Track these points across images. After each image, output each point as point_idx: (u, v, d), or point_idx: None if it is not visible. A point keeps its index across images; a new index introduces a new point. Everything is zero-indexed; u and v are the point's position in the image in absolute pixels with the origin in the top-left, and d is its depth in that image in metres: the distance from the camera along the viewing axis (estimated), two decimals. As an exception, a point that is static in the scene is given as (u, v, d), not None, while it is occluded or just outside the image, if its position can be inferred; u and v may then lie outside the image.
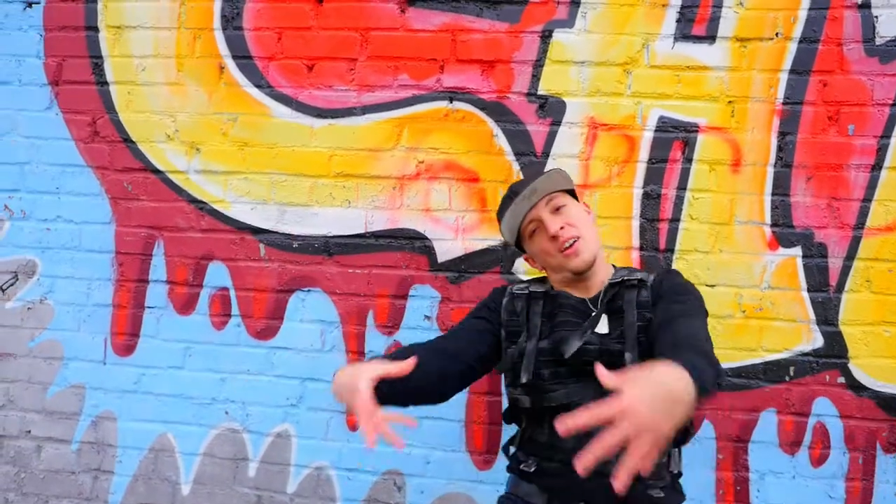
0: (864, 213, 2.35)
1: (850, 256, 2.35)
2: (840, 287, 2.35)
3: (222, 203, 2.58)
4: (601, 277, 1.89)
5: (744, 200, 2.38)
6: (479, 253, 2.46)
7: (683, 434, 1.86)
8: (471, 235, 2.47)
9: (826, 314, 2.35)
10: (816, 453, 2.36)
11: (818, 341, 2.36)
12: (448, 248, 2.48)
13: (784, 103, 2.36)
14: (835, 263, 2.36)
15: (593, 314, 1.81)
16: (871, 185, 2.34)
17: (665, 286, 1.82)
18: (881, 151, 2.34)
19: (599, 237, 1.91)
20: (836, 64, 2.35)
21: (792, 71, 2.36)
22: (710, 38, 2.38)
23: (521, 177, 2.44)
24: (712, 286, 2.38)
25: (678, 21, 2.39)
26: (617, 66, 2.42)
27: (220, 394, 2.58)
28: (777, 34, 2.36)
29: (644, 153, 2.41)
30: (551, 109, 2.45)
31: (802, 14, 2.35)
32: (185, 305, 2.59)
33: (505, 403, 2.43)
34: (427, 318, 2.48)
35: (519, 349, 1.83)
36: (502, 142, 2.46)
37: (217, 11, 2.56)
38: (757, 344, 2.38)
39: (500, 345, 1.88)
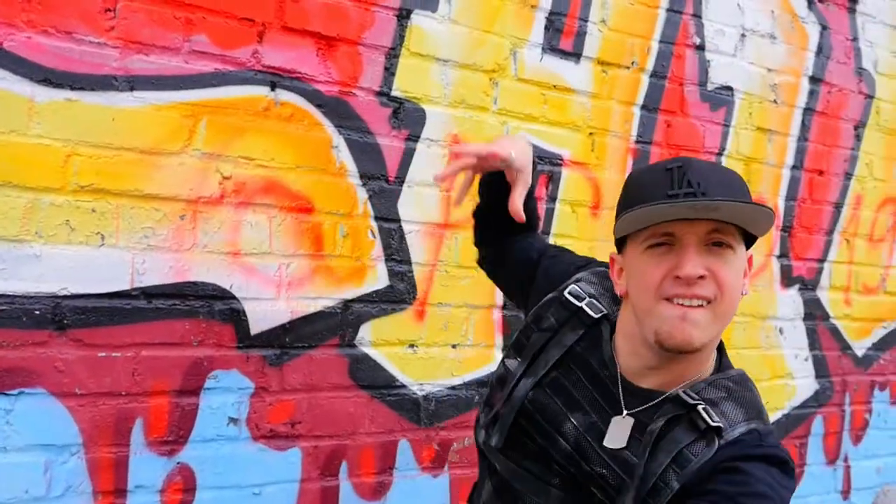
0: (695, 265, 2.56)
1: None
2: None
3: None
4: (685, 375, 1.32)
5: (603, 249, 2.34)
6: (311, 318, 1.92)
7: None
8: (300, 293, 1.90)
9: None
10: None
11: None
12: (266, 311, 1.86)
13: (636, 141, 2.41)
14: (673, 318, 2.51)
15: (620, 416, 1.43)
16: (701, 236, 2.57)
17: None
18: (708, 201, 2.58)
19: (732, 315, 1.32)
20: (678, 105, 2.49)
21: (644, 107, 2.43)
22: (577, 55, 2.30)
23: (370, 208, 1.97)
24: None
25: (546, 28, 2.25)
26: (484, 73, 2.16)
27: None
28: (633, 63, 2.40)
29: (510, 187, 2.19)
30: (408, 119, 2.04)
31: (655, 45, 2.44)
32: None
33: None
34: (232, 421, 1.83)
35: (507, 385, 1.42)
36: (345, 156, 1.96)
37: None
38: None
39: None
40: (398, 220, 2.03)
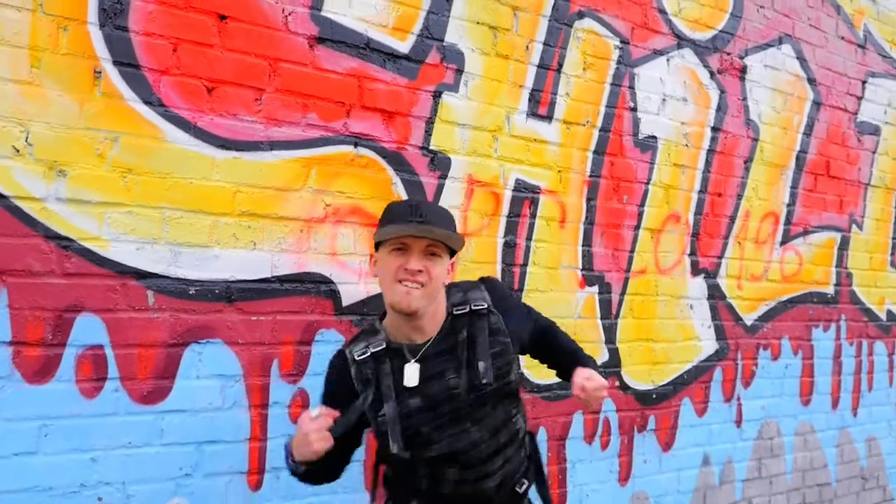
0: (630, 261, 3.25)
1: (622, 292, 3.23)
2: (617, 314, 3.21)
3: (97, 241, 2.08)
4: (434, 324, 1.97)
5: (567, 250, 3.03)
6: (381, 296, 2.55)
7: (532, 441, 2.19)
8: (373, 279, 2.54)
9: (610, 335, 3.18)
10: (604, 440, 3.17)
11: (606, 356, 3.15)
12: (352, 291, 2.51)
13: (590, 175, 3.10)
14: (615, 298, 3.20)
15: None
16: (634, 240, 3.26)
17: (512, 307, 2.10)
18: (640, 216, 3.28)
19: (439, 292, 1.95)
20: (618, 149, 3.18)
21: (595, 151, 3.11)
22: (549, 118, 2.96)
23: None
24: (544, 318, 2.99)
25: (530, 100, 2.91)
26: (488, 132, 2.80)
27: (91, 477, 2.07)
28: (587, 122, 3.09)
29: (506, 208, 2.85)
30: (440, 164, 2.69)
31: (602, 109, 3.12)
32: (40, 372, 2.00)
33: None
34: None
35: (382, 419, 1.90)
36: (400, 190, 2.60)
37: (93, 1, 2.07)
38: (572, 362, 3.08)
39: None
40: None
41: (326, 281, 2.46)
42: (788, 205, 3.83)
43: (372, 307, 2.54)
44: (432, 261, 1.89)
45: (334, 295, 2.48)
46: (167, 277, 2.19)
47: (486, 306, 1.98)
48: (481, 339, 1.95)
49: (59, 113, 2.03)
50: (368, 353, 1.94)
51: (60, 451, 2.04)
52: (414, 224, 1.88)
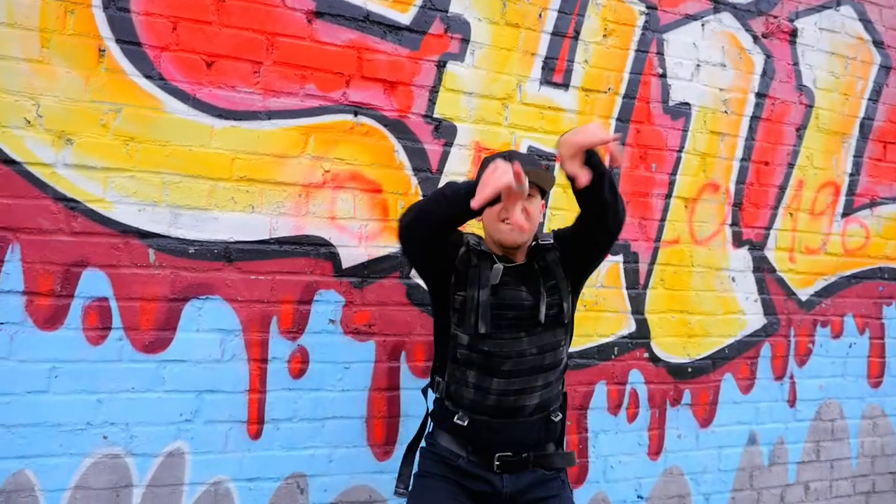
0: (660, 231, 2.80)
1: (652, 262, 2.78)
2: (646, 285, 2.76)
3: (101, 203, 2.01)
4: (521, 253, 1.93)
5: (587, 218, 2.66)
6: (381, 259, 2.31)
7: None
8: (373, 243, 2.30)
9: (637, 306, 2.74)
10: (631, 412, 2.73)
11: (632, 326, 2.72)
12: (352, 254, 2.30)
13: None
14: (643, 267, 2.77)
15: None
16: (665, 209, 2.80)
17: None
18: (671, 185, 2.82)
19: (535, 230, 1.90)
20: (645, 117, 2.75)
21: (618, 119, 2.70)
22: (565, 85, 2.59)
23: (420, 191, 2.39)
24: (562, 286, 2.62)
25: (543, 69, 2.56)
26: (497, 100, 2.48)
27: (97, 417, 2.01)
28: (609, 89, 2.69)
29: (517, 175, 2.54)
30: (445, 131, 2.41)
31: (626, 76, 2.70)
32: (50, 320, 1.97)
33: (404, 396, 2.37)
34: (332, 321, 2.24)
35: (473, 300, 1.85)
36: (402, 157, 2.35)
37: (96, -13, 2.01)
38: (593, 331, 2.64)
39: (444, 271, 1.89)
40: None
41: (325, 244, 2.25)
42: (851, 175, 3.15)
43: (373, 269, 2.31)
44: (529, 201, 1.83)
45: (334, 257, 2.26)
46: (167, 237, 2.08)
47: (551, 242, 1.95)
48: (547, 270, 1.91)
49: (66, 87, 1.97)
50: (481, 248, 1.91)
51: (69, 391, 1.98)
52: (524, 168, 1.69)
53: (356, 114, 2.28)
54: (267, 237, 2.18)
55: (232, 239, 2.14)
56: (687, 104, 2.80)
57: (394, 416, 2.34)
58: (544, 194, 1.94)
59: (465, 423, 1.85)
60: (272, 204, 2.19)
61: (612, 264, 2.67)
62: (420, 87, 2.37)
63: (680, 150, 2.78)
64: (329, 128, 2.25)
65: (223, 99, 2.13)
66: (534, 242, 1.92)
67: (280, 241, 2.20)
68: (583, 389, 2.62)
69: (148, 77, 2.05)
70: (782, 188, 2.99)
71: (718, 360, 2.87)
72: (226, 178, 2.13)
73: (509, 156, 1.83)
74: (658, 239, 2.76)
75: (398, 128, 2.34)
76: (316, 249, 2.24)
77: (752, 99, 2.92)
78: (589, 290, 2.61)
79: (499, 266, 1.87)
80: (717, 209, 2.87)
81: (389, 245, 2.33)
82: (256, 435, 2.18)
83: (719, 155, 2.86)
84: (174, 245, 2.08)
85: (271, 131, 2.19)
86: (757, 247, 2.95)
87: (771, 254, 2.98)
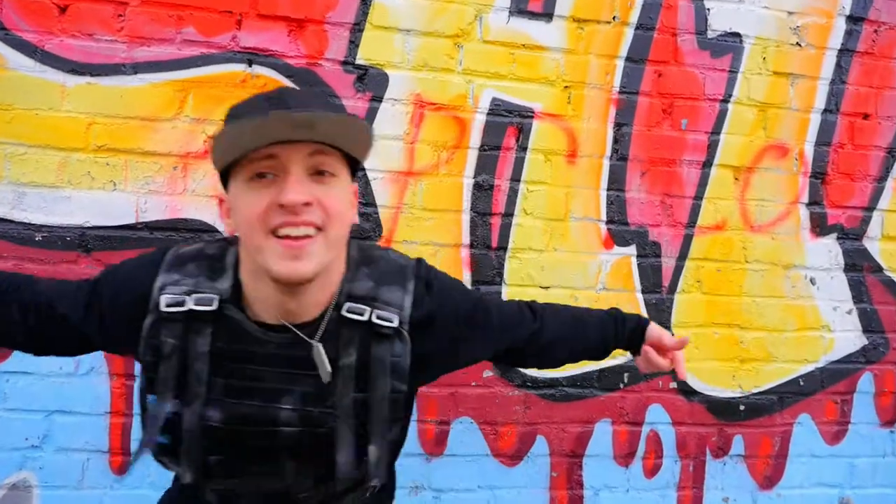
0: (695, 212, 2.03)
1: (682, 256, 2.02)
2: (672, 288, 2.01)
3: (-72, 180, 1.71)
4: (324, 295, 1.02)
5: (579, 195, 1.94)
6: (285, 249, 1.83)
7: (395, 445, 1.14)
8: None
9: (659, 317, 1.98)
10: (650, 463, 1.99)
11: (651, 345, 2.01)
12: (245, 243, 1.83)
13: (620, 92, 1.97)
14: (668, 263, 2.01)
15: (320, 366, 0.99)
16: (703, 183, 2.03)
17: (459, 319, 1.10)
18: (711, 148, 2.04)
19: (345, 240, 1.04)
20: (670, 55, 1.99)
21: (628, 59, 1.96)
22: (547, 15, 1.93)
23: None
24: (546, 288, 1.93)
25: (514, -7, 1.94)
26: (447, 38, 1.87)
27: (-77, 438, 1.70)
28: (614, 18, 1.98)
29: (476, 138, 1.89)
30: (371, 82, 1.85)
31: (638, 0, 2.00)
32: None
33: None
34: None
35: (170, 419, 1.00)
36: (314, 117, 1.85)
37: (-78, -80, 1.69)
38: (592, 350, 1.98)
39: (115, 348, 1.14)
40: (363, 169, 1.86)
41: (210, 229, 1.77)
42: None
43: (273, 264, 1.79)
44: (324, 182, 0.97)
45: (221, 247, 1.78)
46: (9, 221, 1.69)
47: (395, 324, 1.03)
48: (381, 378, 1.02)
49: None
50: (186, 311, 1.00)
51: None
52: (273, 115, 0.92)
53: (250, 63, 1.78)
54: (133, 221, 1.74)
55: (89, 224, 1.72)
56: (735, 35, 2.00)
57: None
58: (356, 168, 1.05)
59: None
60: (140, 180, 1.74)
61: (619, 258, 1.95)
62: (337, 26, 1.82)
63: (725, 100, 2.00)
64: (213, 81, 1.77)
65: (78, 50, 1.72)
66: (346, 305, 1.03)
67: (150, 227, 1.75)
68: (576, 430, 1.93)
69: (-14, 27, 1.69)
70: (891, 151, 2.09)
71: (788, 396, 2.03)
72: (81, 149, 1.72)
73: (277, 98, 0.99)
74: (692, 224, 1.99)
75: (307, 79, 1.80)
76: (197, 236, 1.77)
77: (840, 25, 2.05)
78: (586, 295, 1.92)
79: (319, 347, 1.00)
80: (787, 182, 2.03)
81: (296, 231, 1.81)
82: (120, 469, 1.74)
83: (788, 105, 2.03)
84: (17, 231, 1.69)
85: (138, 88, 1.74)
86: (850, 235, 2.07)
87: (873, 245, 2.08)
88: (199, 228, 1.77)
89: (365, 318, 1.01)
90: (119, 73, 1.74)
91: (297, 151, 0.94)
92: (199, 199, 1.77)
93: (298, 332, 1.00)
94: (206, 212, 1.77)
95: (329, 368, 1.00)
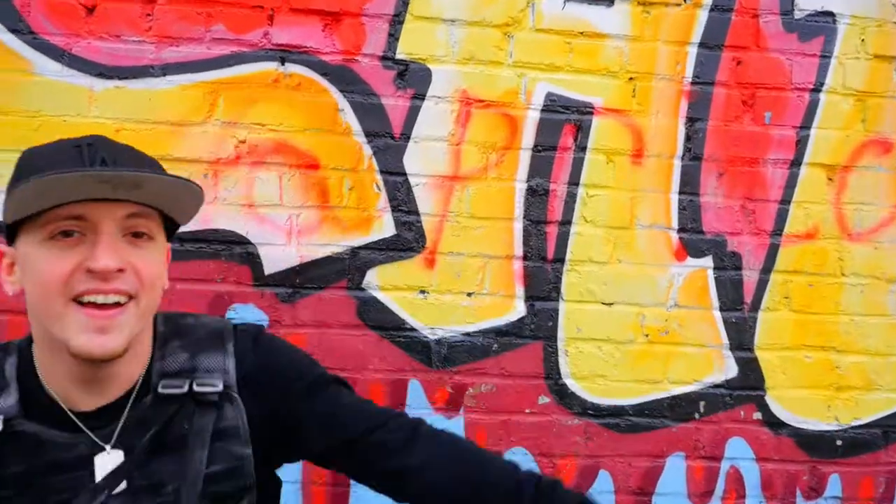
0: (782, 218, 1.78)
1: (767, 269, 1.77)
2: (756, 305, 1.76)
3: (-43, 191, 1.66)
4: (135, 366, 0.90)
5: (647, 199, 1.73)
6: (319, 262, 1.66)
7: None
8: (308, 239, 1.66)
9: (740, 338, 1.75)
10: (730, 503, 1.78)
11: (731, 370, 1.74)
12: (278, 255, 1.67)
13: (693, 83, 1.75)
14: (750, 276, 1.77)
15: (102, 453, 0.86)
16: (790, 185, 1.78)
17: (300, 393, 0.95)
18: (800, 144, 1.79)
19: (156, 308, 0.90)
20: (751, 39, 1.76)
21: (702, 45, 1.74)
22: (608, 0, 1.76)
23: (376, 165, 1.70)
24: (609, 304, 1.73)
25: (570, -24, 1.75)
26: (495, 28, 1.70)
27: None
28: (685, 0, 1.78)
29: (529, 138, 1.71)
30: (413, 79, 1.69)
31: (714, -23, 1.77)
32: None
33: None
34: None
35: None
36: (349, 118, 1.68)
37: (-49, -77, 1.65)
38: (662, 375, 1.73)
39: None
40: (404, 174, 1.71)
41: (241, 241, 1.65)
42: None
43: (308, 276, 1.66)
44: (139, 246, 0.86)
45: (252, 259, 1.65)
46: (36, 233, 1.63)
47: (219, 388, 0.91)
48: (198, 449, 0.89)
49: (-85, 49, 1.62)
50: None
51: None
52: (95, 170, 0.82)
53: (283, 61, 1.66)
54: (161, 232, 1.65)
55: (116, 235, 1.64)
56: (827, 14, 1.75)
57: (340, 485, 1.66)
58: (172, 232, 0.93)
59: None
60: (168, 188, 1.64)
61: (693, 271, 1.72)
62: (375, 18, 1.67)
63: (816, 89, 1.75)
64: (245, 82, 1.65)
65: (105, 53, 1.63)
66: (160, 384, 0.91)
67: (180, 238, 1.64)
68: (644, 465, 1.71)
69: (14, 31, 1.62)
70: None
71: (895, 431, 1.75)
72: (108, 156, 1.63)
73: (89, 147, 0.84)
74: (778, 232, 1.74)
75: (344, 77, 1.67)
76: (228, 249, 1.65)
77: (959, -3, 1.77)
78: (655, 312, 1.70)
79: (115, 454, 0.87)
80: (890, 182, 1.76)
81: (332, 242, 1.67)
82: None
83: (891, 94, 1.75)
84: (43, 243, 1.63)
85: (167, 91, 1.64)
86: (971, 243, 1.78)
87: None
88: (231, 240, 1.66)
89: (185, 389, 0.89)
90: (147, 75, 1.64)
91: (114, 211, 0.82)
92: (230, 207, 1.65)
93: (91, 434, 0.86)
94: (238, 221, 1.66)
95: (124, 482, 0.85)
